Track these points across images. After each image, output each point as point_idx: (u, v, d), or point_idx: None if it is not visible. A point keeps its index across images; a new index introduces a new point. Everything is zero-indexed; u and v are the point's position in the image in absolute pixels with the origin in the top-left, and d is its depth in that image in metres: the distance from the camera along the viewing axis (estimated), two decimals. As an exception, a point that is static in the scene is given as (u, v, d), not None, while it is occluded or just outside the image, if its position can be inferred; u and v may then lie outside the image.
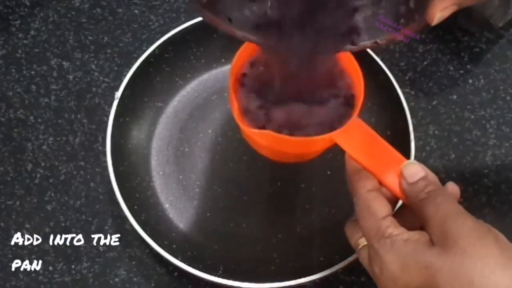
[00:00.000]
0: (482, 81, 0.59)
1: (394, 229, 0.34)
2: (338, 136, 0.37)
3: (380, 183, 0.37)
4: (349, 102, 0.39)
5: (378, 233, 0.34)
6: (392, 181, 0.36)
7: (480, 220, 0.33)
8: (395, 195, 0.37)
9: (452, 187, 0.37)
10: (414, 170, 0.35)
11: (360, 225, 0.36)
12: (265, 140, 0.39)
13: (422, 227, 0.34)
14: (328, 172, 0.53)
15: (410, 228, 0.35)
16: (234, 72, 0.39)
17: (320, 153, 0.42)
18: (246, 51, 0.40)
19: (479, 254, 0.31)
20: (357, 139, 0.38)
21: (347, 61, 0.40)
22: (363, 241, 0.37)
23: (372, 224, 0.35)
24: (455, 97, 0.58)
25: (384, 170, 0.37)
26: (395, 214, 0.36)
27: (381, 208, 0.35)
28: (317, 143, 0.39)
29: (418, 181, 0.35)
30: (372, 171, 0.37)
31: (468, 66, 0.60)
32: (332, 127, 0.38)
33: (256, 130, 0.37)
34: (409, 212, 0.36)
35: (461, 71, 0.60)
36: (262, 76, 0.39)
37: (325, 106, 0.39)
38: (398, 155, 0.37)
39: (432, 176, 0.35)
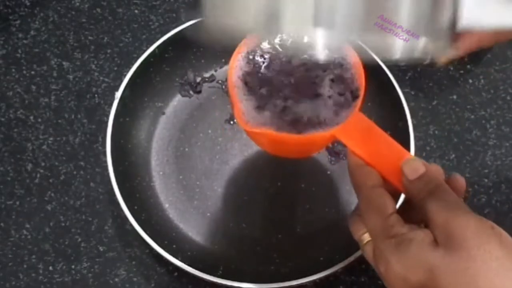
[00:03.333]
0: (482, 81, 0.59)
1: (400, 228, 0.34)
2: (340, 132, 0.37)
3: (384, 178, 0.36)
4: (350, 95, 0.39)
5: (383, 232, 0.34)
6: (395, 177, 0.36)
7: (483, 218, 0.33)
8: (398, 190, 0.36)
9: (458, 180, 0.36)
10: (414, 166, 0.35)
11: (365, 222, 0.36)
12: (266, 139, 0.39)
13: (426, 224, 0.34)
14: (328, 172, 0.53)
15: (415, 221, 0.35)
16: (232, 72, 0.39)
17: (323, 147, 0.41)
18: (242, 49, 0.40)
19: (483, 258, 0.31)
20: (358, 133, 0.37)
21: (350, 54, 0.40)
22: (367, 237, 0.36)
23: (377, 223, 0.34)
24: (455, 97, 0.58)
25: (387, 165, 0.36)
26: (400, 208, 0.36)
27: (386, 205, 0.35)
28: (319, 140, 0.39)
29: (419, 178, 0.35)
30: (375, 166, 0.36)
31: (468, 66, 0.60)
32: (332, 121, 0.38)
33: (257, 130, 0.37)
34: (413, 207, 0.36)
35: (461, 71, 0.60)
36: (261, 73, 0.39)
37: (325, 100, 0.39)
38: (401, 149, 0.37)
39: (433, 172, 0.35)
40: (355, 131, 0.37)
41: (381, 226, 0.34)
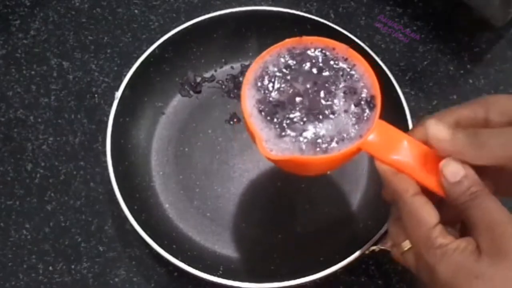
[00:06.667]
0: (482, 81, 0.59)
1: (444, 239, 0.33)
2: (366, 144, 0.36)
3: (418, 183, 0.35)
4: (366, 104, 0.38)
5: (427, 243, 0.34)
6: (431, 180, 0.35)
7: None
8: (435, 193, 0.35)
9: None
10: (455, 168, 0.34)
11: (408, 232, 0.35)
12: (292, 164, 0.38)
13: (463, 226, 0.34)
14: (328, 172, 0.53)
15: (449, 221, 0.35)
16: (245, 102, 0.38)
17: (350, 160, 0.41)
18: (250, 76, 0.39)
19: None
20: (385, 142, 0.36)
21: (358, 62, 0.39)
22: (407, 244, 0.36)
23: (422, 234, 0.34)
24: (455, 97, 0.58)
25: (421, 169, 0.35)
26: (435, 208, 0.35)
27: (430, 216, 0.34)
28: (345, 156, 0.37)
29: (460, 180, 0.34)
30: (409, 172, 0.35)
31: (468, 66, 0.60)
32: (355, 134, 0.37)
33: (283, 157, 0.36)
34: (450, 207, 0.35)
35: (461, 71, 0.60)
36: (273, 98, 0.39)
37: (343, 114, 0.38)
38: (431, 151, 0.36)
39: (473, 175, 0.34)
40: (381, 140, 0.36)
41: (426, 237, 0.34)
